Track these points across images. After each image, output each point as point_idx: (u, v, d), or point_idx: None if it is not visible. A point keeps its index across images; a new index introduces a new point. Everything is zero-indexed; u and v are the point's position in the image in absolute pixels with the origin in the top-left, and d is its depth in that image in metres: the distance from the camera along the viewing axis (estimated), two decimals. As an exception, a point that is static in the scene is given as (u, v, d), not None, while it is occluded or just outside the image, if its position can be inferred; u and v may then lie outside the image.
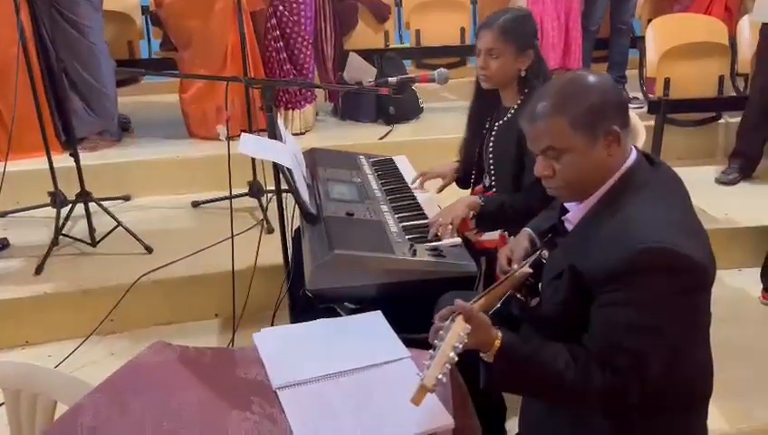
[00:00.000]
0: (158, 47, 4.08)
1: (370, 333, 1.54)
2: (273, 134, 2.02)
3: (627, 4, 4.09)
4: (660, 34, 3.65)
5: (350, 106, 4.08)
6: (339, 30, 4.05)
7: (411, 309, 1.69)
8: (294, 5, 3.64)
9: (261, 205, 3.16)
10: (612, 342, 1.21)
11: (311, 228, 1.83)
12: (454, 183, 2.28)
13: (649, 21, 4.44)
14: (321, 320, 1.61)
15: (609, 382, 1.21)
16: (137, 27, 4.36)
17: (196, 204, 3.33)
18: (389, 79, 2.03)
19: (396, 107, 3.89)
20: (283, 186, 1.99)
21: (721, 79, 3.66)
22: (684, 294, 1.21)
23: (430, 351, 1.06)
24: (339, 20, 4.08)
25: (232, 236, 2.41)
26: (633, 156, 1.32)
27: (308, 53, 3.77)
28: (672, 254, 1.17)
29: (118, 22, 4.23)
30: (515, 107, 2.00)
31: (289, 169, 1.80)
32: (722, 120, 3.81)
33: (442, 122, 3.99)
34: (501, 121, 2.04)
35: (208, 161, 3.51)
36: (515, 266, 1.57)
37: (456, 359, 1.01)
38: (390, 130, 3.80)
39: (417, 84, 2.37)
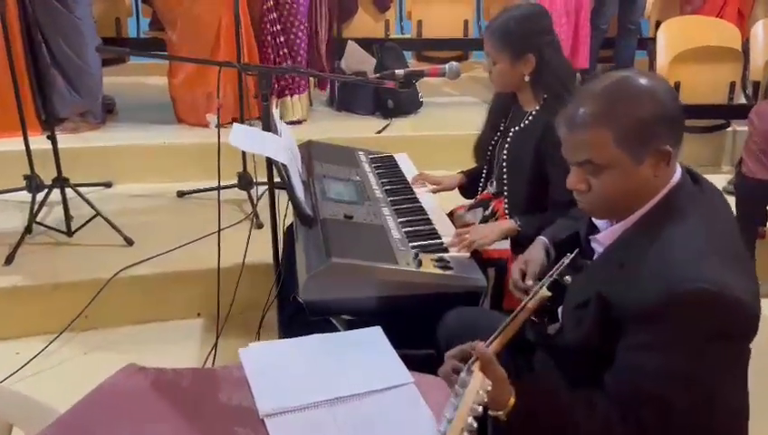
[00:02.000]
0: (148, 26, 3.88)
1: (370, 352, 1.40)
2: (268, 125, 1.86)
3: (637, 3, 3.97)
4: (672, 36, 3.52)
5: (347, 97, 3.92)
6: (334, 12, 3.87)
7: (413, 323, 1.56)
8: (291, -13, 3.47)
9: (250, 198, 3.00)
10: (639, 390, 1.07)
11: (306, 231, 1.68)
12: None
13: (658, 22, 4.34)
14: (315, 336, 1.46)
15: (630, 433, 1.08)
16: (125, 4, 4.16)
17: (181, 194, 3.16)
18: (396, 71, 1.87)
19: (395, 100, 3.74)
20: (277, 179, 1.84)
21: (732, 85, 3.54)
22: (727, 340, 1.07)
23: (450, 398, 0.92)
24: (338, 4, 3.90)
25: (219, 231, 2.25)
26: (678, 174, 1.18)
27: (303, 37, 3.60)
28: (719, 297, 1.02)
29: (106, -3, 4.04)
30: (534, 113, 1.85)
31: (284, 165, 1.65)
32: (730, 128, 3.70)
33: (442, 118, 3.85)
34: (518, 127, 1.89)
35: (196, 149, 3.33)
36: (529, 283, 1.43)
37: (476, 425, 0.88)
38: (388, 124, 3.64)
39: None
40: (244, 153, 3.02)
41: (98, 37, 3.43)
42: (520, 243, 1.80)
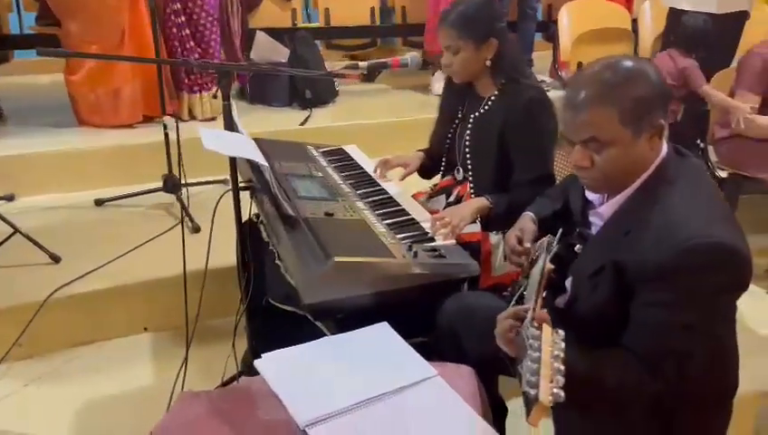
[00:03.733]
0: (35, 21, 3.53)
1: (385, 349, 1.40)
2: (231, 126, 1.78)
3: (534, -11, 4.16)
4: (572, 20, 3.75)
5: (260, 89, 3.81)
6: (245, 5, 3.74)
7: (407, 314, 1.56)
8: (197, -23, 3.30)
9: (180, 201, 2.84)
10: (661, 343, 1.16)
11: (288, 232, 1.62)
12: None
13: (549, 6, 4.59)
14: (326, 338, 1.44)
15: (660, 386, 1.16)
16: (4, -1, 3.75)
17: (100, 202, 2.93)
18: (360, 63, 1.85)
19: (312, 90, 3.68)
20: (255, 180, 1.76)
21: (627, 63, 3.82)
22: (732, 291, 1.19)
23: (527, 364, 0.94)
24: (243, -5, 3.77)
25: (183, 237, 2.09)
26: (665, 147, 1.28)
27: (214, 29, 3.44)
28: (724, 249, 1.13)
29: (-22, -9, 3.63)
30: (493, 98, 1.91)
31: (266, 167, 1.58)
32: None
33: (360, 106, 3.85)
34: (477, 113, 1.94)
35: (109, 153, 3.12)
36: (528, 245, 1.49)
37: (563, 367, 0.91)
38: (309, 116, 3.58)
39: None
40: (168, 154, 2.86)
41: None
42: (491, 221, 1.86)
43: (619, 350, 1.20)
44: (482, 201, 1.84)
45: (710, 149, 2.94)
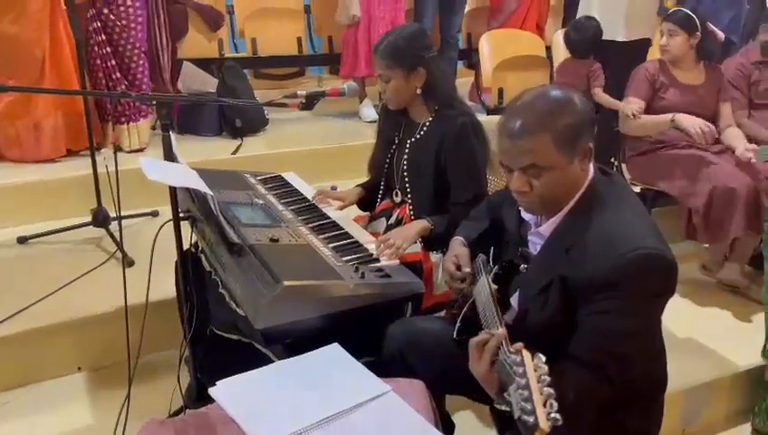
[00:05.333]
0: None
1: (338, 369, 1.42)
2: (170, 156, 1.78)
3: (454, 19, 4.33)
4: (492, 48, 3.94)
5: (189, 119, 3.77)
6: (173, 35, 3.71)
7: (358, 335, 1.59)
8: (122, 9, 3.27)
9: (110, 234, 2.76)
10: (605, 349, 1.25)
11: (236, 260, 1.63)
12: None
13: (468, 35, 4.80)
14: (278, 363, 1.45)
15: (606, 388, 1.25)
16: None
17: (23, 240, 2.80)
18: (299, 92, 1.89)
19: (243, 119, 3.68)
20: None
21: (543, 88, 4.05)
22: (664, 295, 1.30)
23: (516, 393, 0.97)
24: (168, 25, 3.74)
25: (123, 269, 2.03)
26: (592, 168, 1.39)
27: (141, 62, 3.39)
28: (658, 258, 1.24)
29: None
30: (428, 123, 2.00)
31: (211, 196, 1.59)
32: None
33: (291, 134, 3.88)
34: (413, 139, 2.02)
35: (32, 189, 2.99)
36: (467, 270, 1.55)
37: (553, 392, 0.94)
38: (241, 144, 3.57)
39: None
40: (97, 187, 2.79)
41: None
42: (432, 242, 1.93)
43: (562, 364, 1.26)
44: (423, 223, 1.91)
45: (623, 167, 3.15)
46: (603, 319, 1.24)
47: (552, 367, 1.23)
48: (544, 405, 0.92)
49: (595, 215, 1.32)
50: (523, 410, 0.93)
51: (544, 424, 0.89)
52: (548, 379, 0.95)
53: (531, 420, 0.91)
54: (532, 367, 0.98)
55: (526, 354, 1.02)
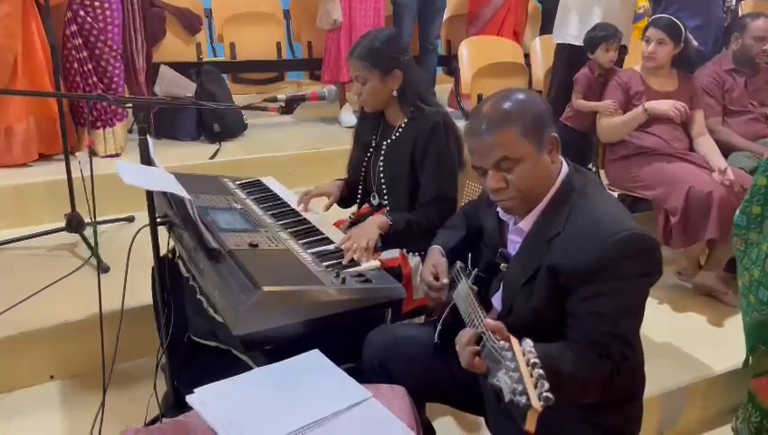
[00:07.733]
0: None
1: (319, 376, 1.41)
2: (148, 160, 1.75)
3: (432, 26, 4.36)
4: (471, 55, 3.96)
5: (167, 123, 3.73)
6: (149, 39, 3.67)
7: (338, 341, 1.58)
8: (99, 12, 3.22)
9: (85, 240, 2.72)
10: (604, 331, 1.26)
11: (212, 266, 1.60)
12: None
13: (448, 41, 4.83)
14: (258, 369, 1.43)
15: (610, 367, 1.26)
16: None
17: (-7, 245, 2.74)
18: (278, 96, 1.88)
19: (221, 124, 3.65)
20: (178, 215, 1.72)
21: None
22: (652, 275, 1.31)
23: (505, 376, 0.97)
24: (144, 29, 3.70)
25: (99, 275, 1.98)
26: (565, 164, 1.41)
27: (117, 64, 3.35)
28: (644, 238, 1.27)
29: None
30: (403, 125, 2.00)
31: (189, 200, 1.56)
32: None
33: (269, 138, 3.85)
34: (389, 140, 2.02)
35: (1, 193, 2.92)
36: (445, 280, 1.54)
37: (543, 373, 0.94)
38: (219, 149, 3.54)
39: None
40: (72, 192, 2.74)
41: None
42: (391, 238, 1.92)
43: (564, 343, 1.27)
44: (382, 218, 1.91)
45: (602, 173, 3.18)
46: (600, 301, 1.25)
47: (549, 347, 1.23)
48: (536, 386, 0.92)
49: (574, 204, 1.34)
50: (514, 392, 0.93)
51: (536, 403, 0.89)
52: (537, 361, 0.95)
53: (523, 400, 0.91)
54: (521, 351, 0.98)
55: (514, 340, 1.02)
